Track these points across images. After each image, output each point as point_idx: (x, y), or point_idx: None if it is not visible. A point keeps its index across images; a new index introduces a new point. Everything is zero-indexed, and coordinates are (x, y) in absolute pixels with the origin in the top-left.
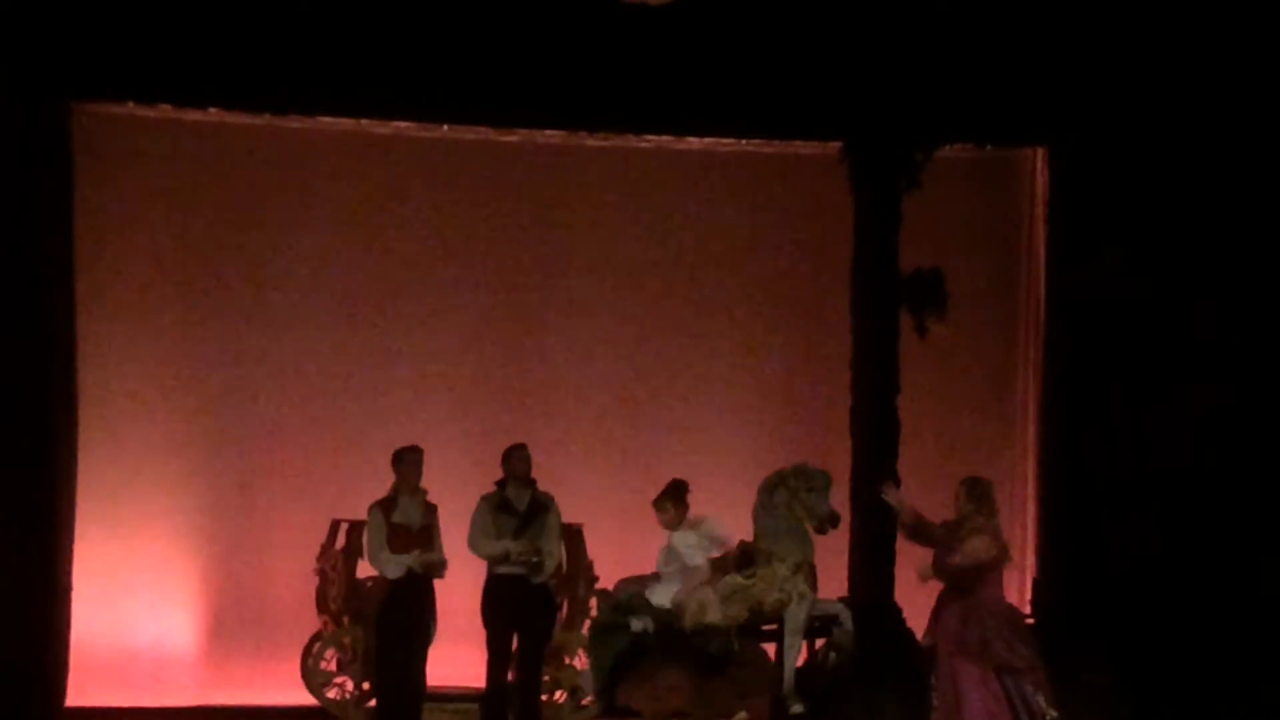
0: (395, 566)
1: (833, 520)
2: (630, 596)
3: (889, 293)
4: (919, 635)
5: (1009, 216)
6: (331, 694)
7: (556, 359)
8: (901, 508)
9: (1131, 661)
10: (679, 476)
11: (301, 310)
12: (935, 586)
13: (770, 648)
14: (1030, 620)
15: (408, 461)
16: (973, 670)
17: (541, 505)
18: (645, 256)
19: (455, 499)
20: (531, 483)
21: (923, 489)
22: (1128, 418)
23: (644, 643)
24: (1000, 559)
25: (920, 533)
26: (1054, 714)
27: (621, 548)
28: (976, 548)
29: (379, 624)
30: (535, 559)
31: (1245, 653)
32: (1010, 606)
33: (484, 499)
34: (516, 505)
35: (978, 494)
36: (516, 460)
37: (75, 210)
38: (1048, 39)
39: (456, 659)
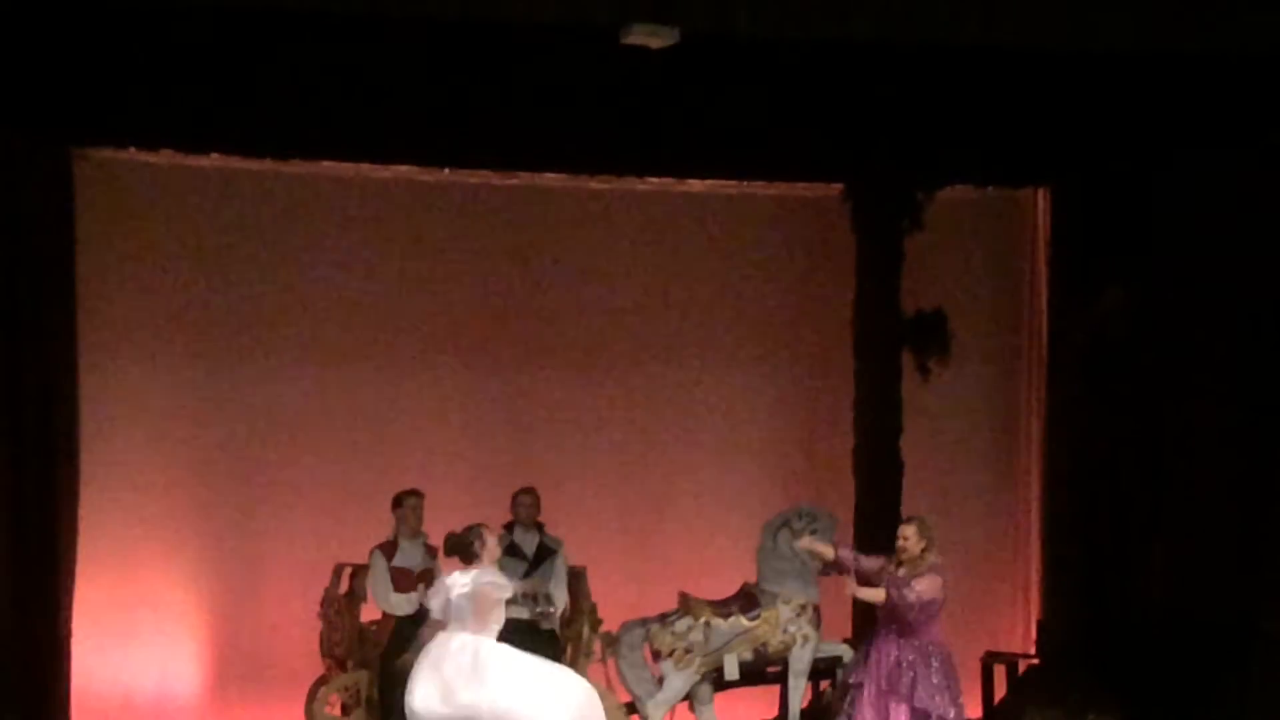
0: (406, 604)
1: (837, 563)
2: None
3: (891, 333)
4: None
5: (1011, 257)
6: None
7: (558, 401)
8: (827, 555)
9: (1137, 701)
10: (683, 518)
11: (304, 354)
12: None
13: (775, 690)
14: (1036, 661)
15: (408, 505)
16: (901, 710)
17: (549, 550)
18: (648, 298)
19: None
20: (539, 526)
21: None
22: (1131, 457)
23: None
24: (944, 600)
25: (849, 569)
26: None
27: (625, 590)
28: (931, 587)
29: (383, 668)
30: (549, 608)
31: (1251, 691)
32: (948, 650)
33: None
34: (524, 549)
35: (927, 533)
36: (524, 504)
37: (77, 255)
38: (1049, 80)
39: None
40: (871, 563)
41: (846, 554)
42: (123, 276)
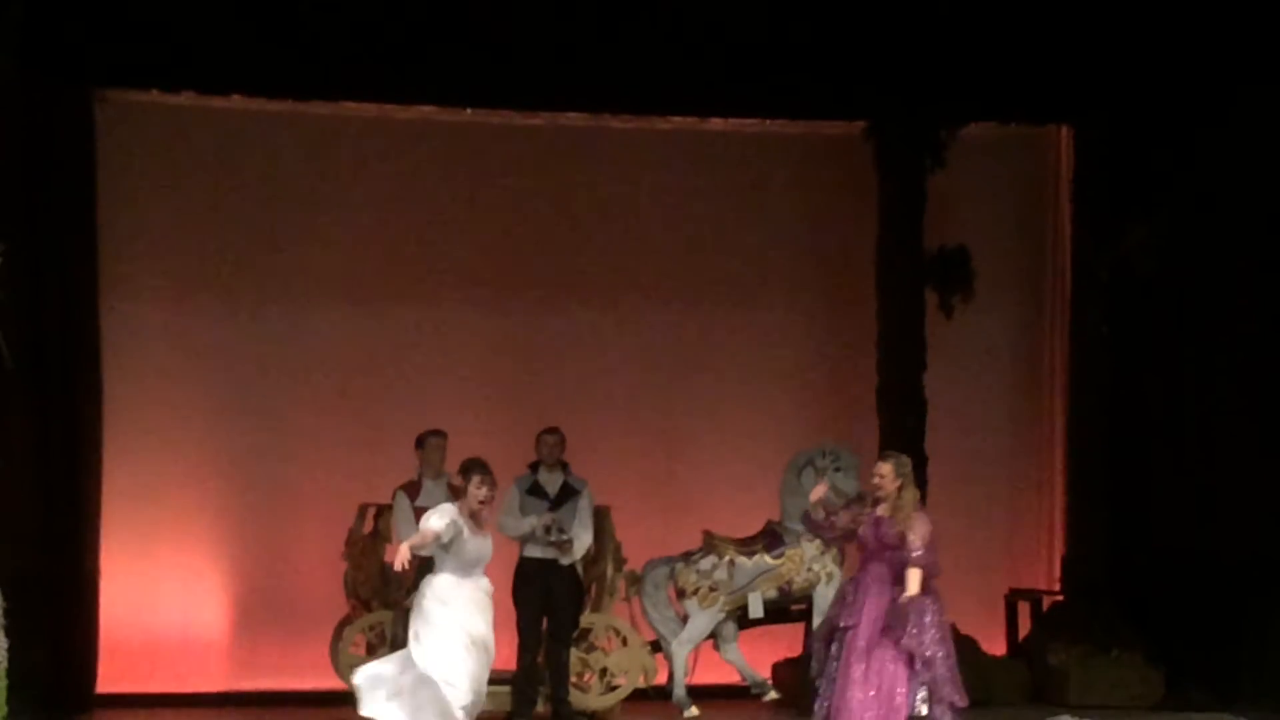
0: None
1: (861, 499)
2: None
3: (914, 271)
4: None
5: (1035, 195)
6: None
7: (582, 341)
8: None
9: (1161, 636)
10: (707, 456)
11: (327, 295)
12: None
13: (799, 628)
14: (1060, 597)
15: (430, 445)
16: (888, 652)
17: (573, 490)
18: (670, 238)
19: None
20: (564, 466)
21: (950, 467)
22: (1156, 393)
23: None
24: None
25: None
26: (960, 704)
27: (649, 528)
28: (927, 527)
29: (408, 608)
30: (563, 537)
31: (1274, 626)
32: (935, 589)
33: (516, 481)
34: (547, 489)
35: (903, 471)
36: (548, 444)
37: (99, 197)
38: (1073, 16)
39: None
40: (845, 515)
41: (820, 516)
42: (145, 218)
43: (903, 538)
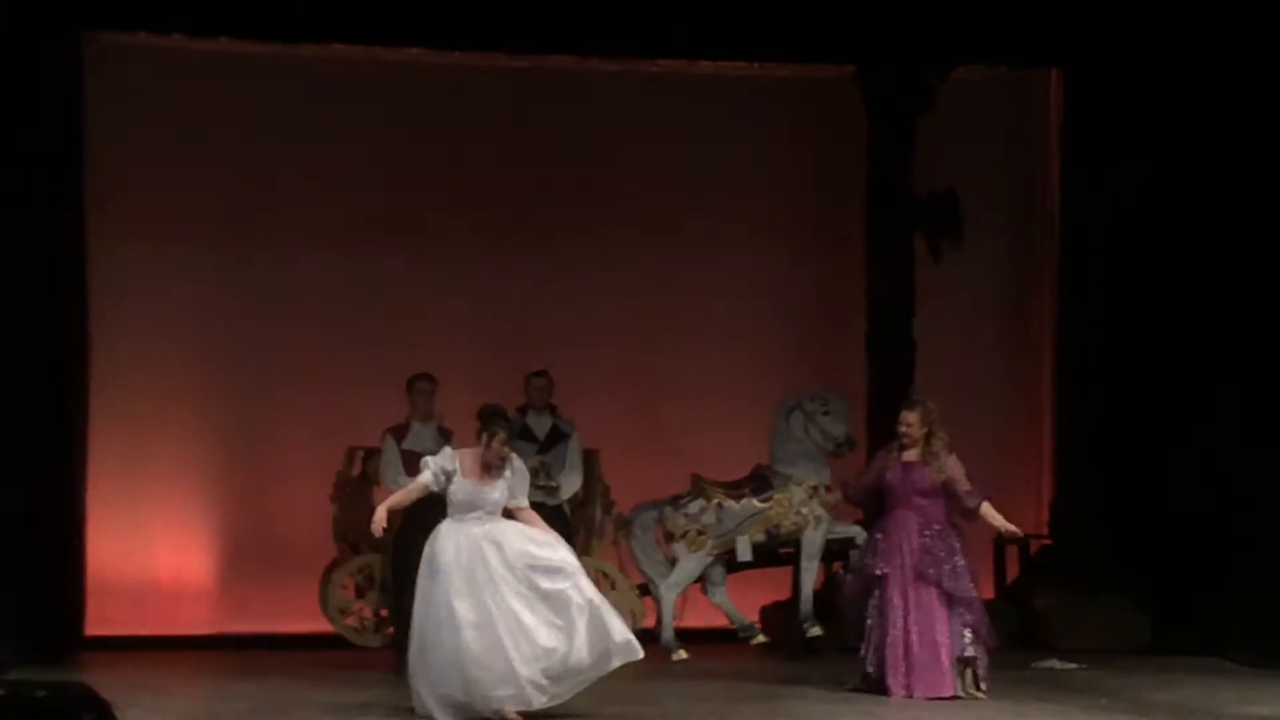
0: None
1: (849, 443)
2: None
3: (904, 215)
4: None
5: (1024, 138)
6: (349, 621)
7: (571, 284)
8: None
9: (1148, 581)
10: (696, 400)
11: (315, 237)
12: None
13: (787, 571)
14: (1048, 541)
15: (418, 389)
16: (932, 594)
17: (562, 432)
18: (660, 182)
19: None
20: (552, 409)
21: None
22: (1144, 337)
23: None
24: None
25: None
26: (994, 644)
27: (637, 472)
28: (960, 468)
29: (396, 551)
30: (550, 483)
31: (1262, 573)
32: (963, 531)
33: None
34: (536, 432)
35: (929, 417)
36: (535, 388)
37: (87, 139)
38: None
39: None
40: (867, 477)
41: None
42: (132, 160)
43: (942, 486)
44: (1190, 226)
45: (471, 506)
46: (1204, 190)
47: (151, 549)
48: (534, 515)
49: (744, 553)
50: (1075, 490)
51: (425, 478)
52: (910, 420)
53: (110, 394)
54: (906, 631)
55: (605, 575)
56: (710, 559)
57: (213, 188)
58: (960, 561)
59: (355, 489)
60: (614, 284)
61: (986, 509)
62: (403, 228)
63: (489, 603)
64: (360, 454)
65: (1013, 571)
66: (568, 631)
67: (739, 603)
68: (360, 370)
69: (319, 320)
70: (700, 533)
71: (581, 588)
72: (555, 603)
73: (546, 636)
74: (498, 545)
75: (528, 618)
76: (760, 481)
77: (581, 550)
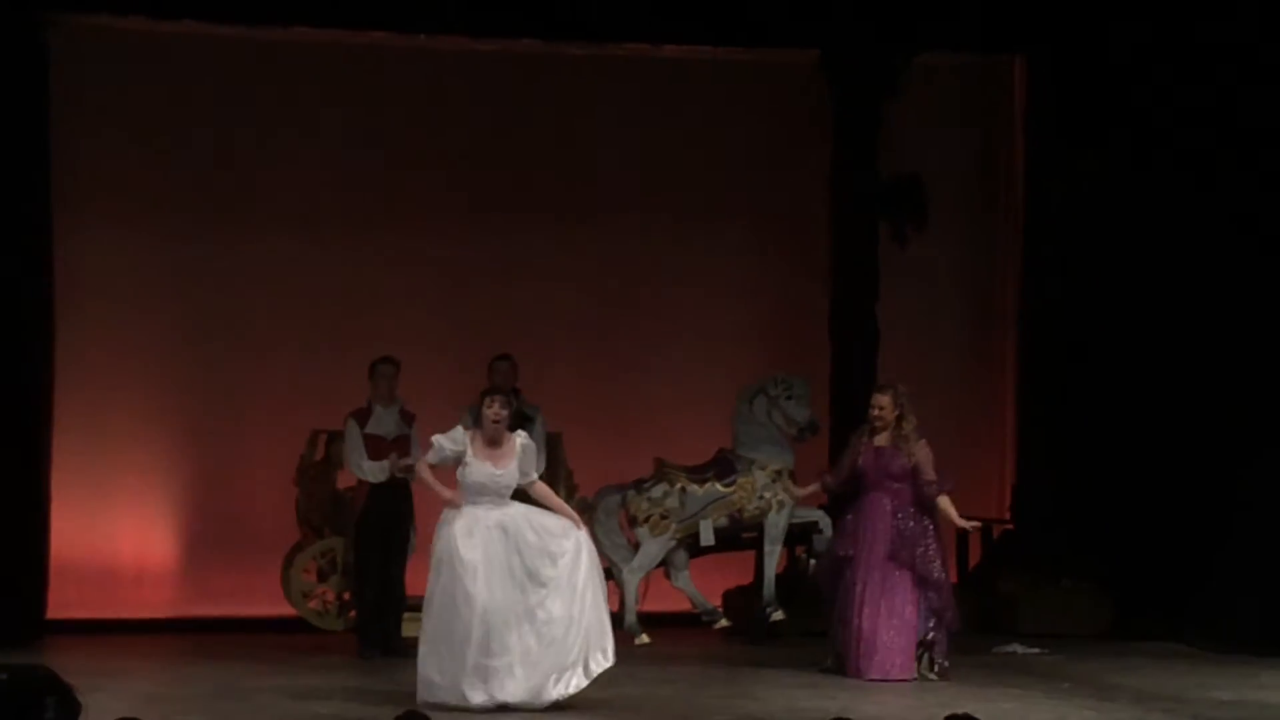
0: (379, 471)
1: (812, 428)
2: None
3: (868, 199)
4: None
5: (988, 124)
6: (312, 605)
7: (536, 268)
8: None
9: (1111, 566)
10: (659, 384)
11: (279, 221)
12: None
13: (750, 556)
14: (1010, 526)
15: (381, 373)
16: (905, 578)
17: (526, 416)
18: (624, 165)
19: (437, 410)
20: (516, 393)
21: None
22: (1108, 321)
23: None
24: None
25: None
26: (955, 629)
27: (601, 456)
28: (928, 454)
29: (359, 534)
30: None
31: (1221, 557)
32: (936, 514)
33: (467, 409)
34: None
35: (900, 400)
36: (499, 372)
37: (50, 122)
38: None
39: None
40: (841, 470)
41: (817, 485)
42: (97, 143)
43: (911, 470)
44: (1154, 213)
45: (483, 490)
46: (1167, 177)
47: (114, 532)
48: (546, 490)
49: (707, 537)
50: (1037, 475)
51: (432, 457)
52: (882, 403)
53: (73, 377)
54: (870, 614)
55: None
56: (673, 543)
57: (176, 171)
58: (932, 545)
59: (318, 472)
60: (578, 268)
61: (943, 502)
62: (366, 211)
63: (499, 591)
64: (323, 437)
65: (975, 556)
66: (565, 625)
67: (701, 587)
68: (324, 354)
69: (283, 303)
70: (663, 517)
71: (577, 586)
72: (554, 595)
73: (547, 629)
74: (506, 532)
75: (533, 608)
76: (724, 466)
77: None
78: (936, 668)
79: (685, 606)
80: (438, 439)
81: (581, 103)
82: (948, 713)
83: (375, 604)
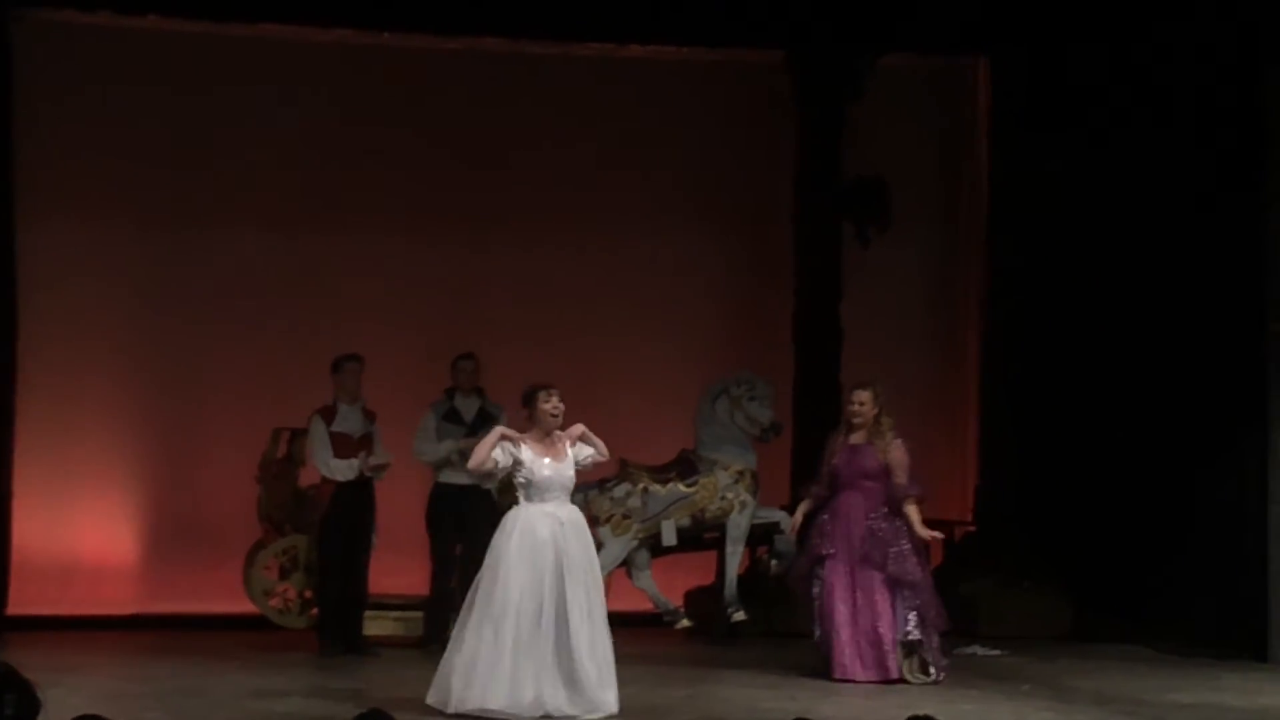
0: (347, 469)
1: (775, 428)
2: None
3: (832, 201)
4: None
5: (953, 126)
6: (274, 602)
7: (497, 266)
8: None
9: (1074, 568)
10: (622, 384)
11: (243, 217)
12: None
13: (712, 556)
14: (973, 528)
15: (346, 370)
16: (875, 579)
17: (490, 415)
18: (588, 164)
19: (399, 408)
20: (479, 392)
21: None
22: (1071, 325)
23: None
24: None
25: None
26: (943, 628)
27: None
28: (903, 455)
29: (323, 532)
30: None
31: (1184, 561)
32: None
33: (432, 407)
34: (464, 414)
35: (881, 397)
36: (462, 370)
37: (15, 118)
38: None
39: (398, 567)
40: (822, 477)
41: (808, 504)
42: (61, 138)
43: (885, 469)
44: (1114, 215)
45: (549, 486)
46: (1128, 179)
47: (75, 528)
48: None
49: (669, 537)
50: (1000, 478)
51: (502, 459)
52: (863, 399)
53: (36, 372)
54: (839, 615)
55: None
56: (635, 543)
57: (140, 166)
58: (906, 545)
59: (280, 470)
60: (542, 266)
61: (909, 508)
62: (330, 209)
63: (569, 596)
64: (286, 435)
65: (937, 558)
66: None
67: (663, 587)
68: (286, 351)
69: (245, 301)
70: (625, 517)
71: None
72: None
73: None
74: (572, 537)
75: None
76: (686, 466)
77: None
78: (932, 670)
79: (647, 606)
80: (500, 459)
81: (545, 102)
82: (908, 714)
83: (338, 602)
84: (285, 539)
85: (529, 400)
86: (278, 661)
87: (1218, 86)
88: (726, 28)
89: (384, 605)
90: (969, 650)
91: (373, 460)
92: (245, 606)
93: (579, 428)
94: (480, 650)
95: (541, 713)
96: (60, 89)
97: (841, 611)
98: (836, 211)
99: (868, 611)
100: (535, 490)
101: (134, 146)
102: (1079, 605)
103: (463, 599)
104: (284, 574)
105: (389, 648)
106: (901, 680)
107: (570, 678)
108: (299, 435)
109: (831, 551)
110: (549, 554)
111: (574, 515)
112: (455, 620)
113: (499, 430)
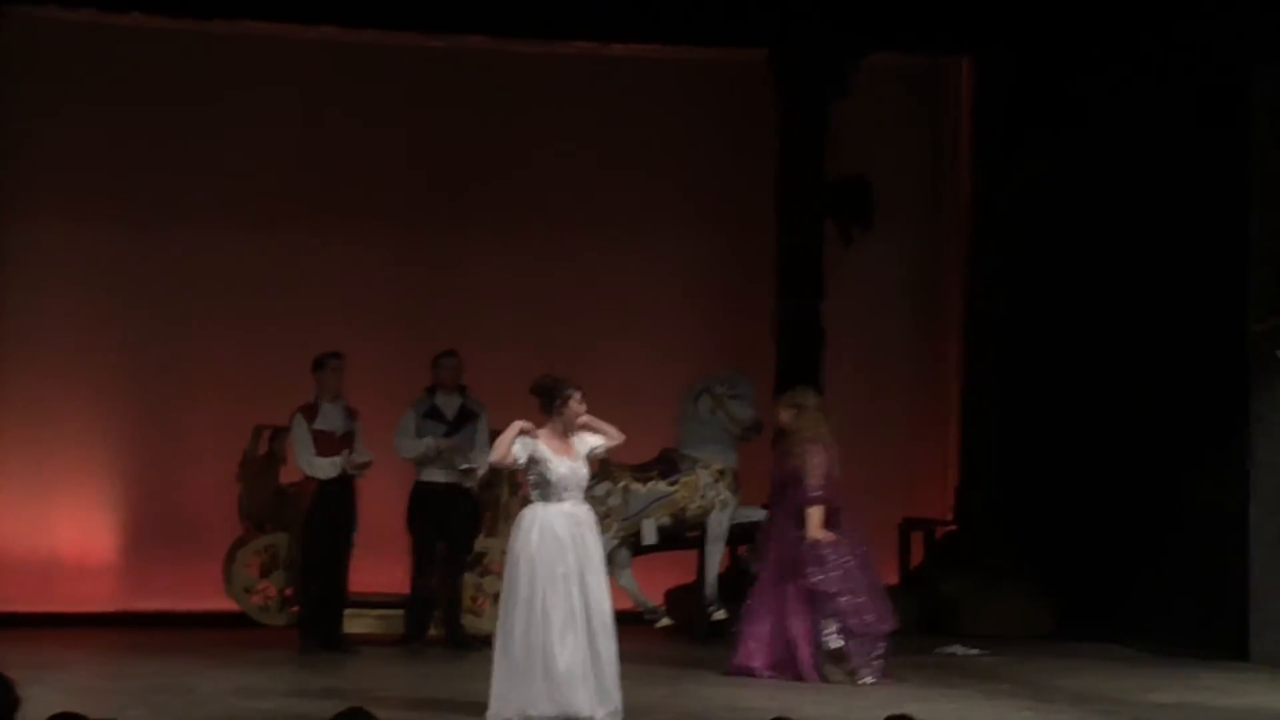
0: (330, 467)
1: (756, 427)
2: None
3: (814, 200)
4: None
5: (936, 125)
6: (254, 600)
7: (480, 265)
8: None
9: (1053, 568)
10: (604, 382)
11: (226, 215)
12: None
13: (693, 554)
14: (953, 527)
15: (329, 368)
16: (792, 590)
17: (471, 412)
18: (571, 162)
19: (379, 407)
20: (462, 390)
21: (847, 395)
22: (1051, 325)
23: None
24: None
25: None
26: (880, 628)
27: None
28: (816, 459)
29: (306, 531)
30: (465, 466)
31: (1164, 561)
32: (838, 522)
33: (413, 405)
34: (445, 412)
35: (792, 402)
36: (445, 368)
37: None
38: None
39: (379, 566)
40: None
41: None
42: (43, 135)
43: (797, 475)
44: (1097, 216)
45: (566, 484)
46: (1111, 180)
47: (55, 525)
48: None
49: (649, 536)
50: (981, 476)
51: (520, 452)
52: (782, 408)
53: (15, 369)
54: (765, 614)
55: None
56: (616, 542)
57: (123, 163)
58: (827, 555)
59: (261, 467)
60: (525, 264)
61: (810, 513)
62: (311, 208)
63: (591, 597)
64: (267, 433)
65: (917, 556)
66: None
67: (644, 585)
68: (267, 349)
69: (226, 298)
70: (606, 515)
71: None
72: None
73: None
74: (590, 537)
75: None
76: (667, 464)
77: (488, 531)
78: (862, 674)
79: (627, 605)
80: (517, 450)
81: (529, 100)
82: (887, 713)
83: (319, 599)
84: (266, 536)
85: (554, 396)
86: (258, 659)
87: (1202, 87)
88: (710, 26)
89: (365, 603)
90: (949, 649)
91: (356, 458)
92: (226, 604)
93: (584, 416)
94: (514, 654)
95: (574, 713)
96: (43, 85)
97: (756, 611)
98: (819, 210)
99: (784, 615)
100: (553, 490)
101: (115, 145)
102: (1059, 605)
103: (444, 596)
104: (265, 571)
105: (370, 646)
106: (820, 682)
107: (599, 678)
108: (280, 433)
109: (759, 567)
110: (570, 554)
111: (589, 515)
112: (436, 619)
113: (518, 424)
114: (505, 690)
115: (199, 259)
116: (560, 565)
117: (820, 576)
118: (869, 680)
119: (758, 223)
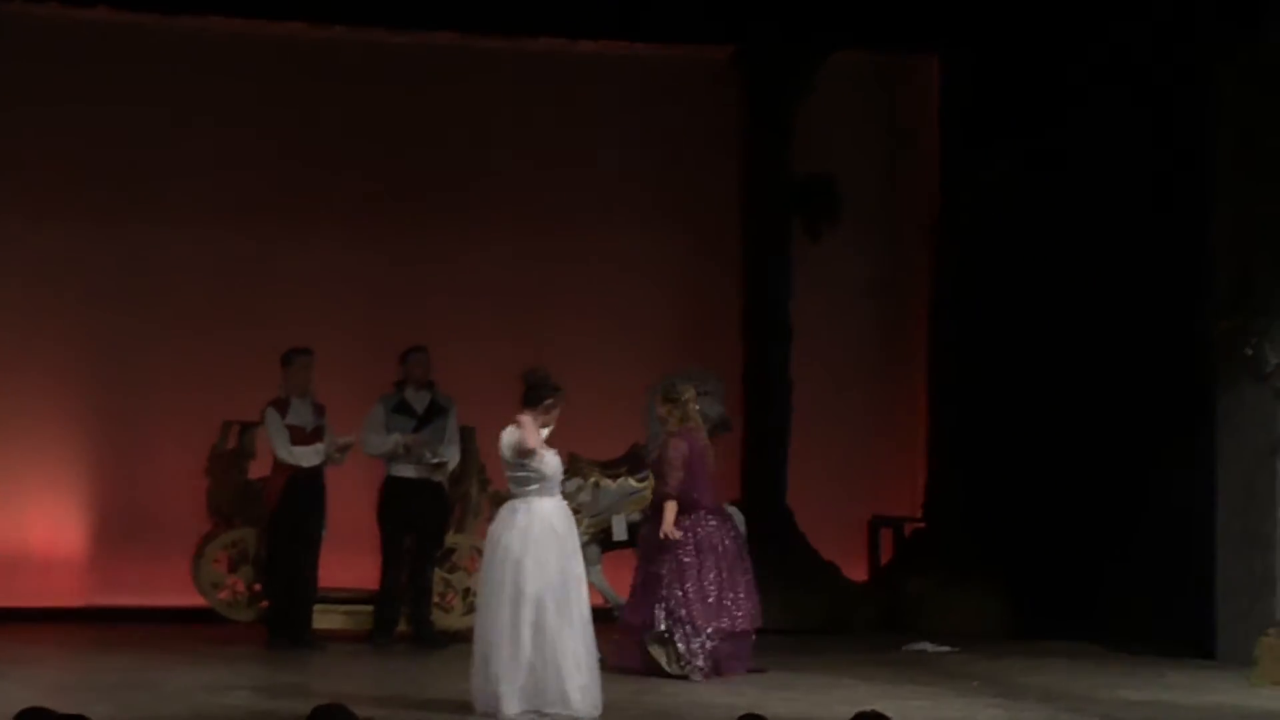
0: (313, 454)
1: (724, 424)
2: None
3: (781, 197)
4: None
5: (902, 123)
6: (222, 595)
7: (447, 261)
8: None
9: (1021, 565)
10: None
11: (192, 210)
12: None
13: None
14: (922, 525)
15: (297, 364)
16: (641, 572)
17: (440, 407)
18: (538, 158)
19: (349, 401)
20: (430, 385)
21: (815, 393)
22: (1018, 323)
23: None
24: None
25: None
26: (704, 626)
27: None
28: (670, 452)
29: (274, 526)
30: (435, 459)
31: (1132, 559)
32: (704, 510)
33: (381, 399)
34: (415, 406)
35: (669, 395)
36: (414, 363)
37: None
38: None
39: (348, 561)
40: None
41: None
42: (6, 127)
43: (659, 469)
44: (1062, 214)
45: (557, 479)
46: (1076, 178)
47: (22, 520)
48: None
49: (619, 532)
50: (949, 474)
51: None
52: (659, 406)
53: None
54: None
55: (480, 552)
56: (586, 538)
57: (87, 156)
58: (664, 545)
59: (229, 462)
60: (493, 261)
61: (665, 507)
62: (279, 202)
63: (570, 590)
64: (235, 428)
65: (886, 554)
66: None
67: (614, 581)
68: (234, 344)
69: (193, 294)
70: (576, 511)
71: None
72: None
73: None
74: (569, 530)
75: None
76: (637, 461)
77: (457, 527)
78: (692, 664)
79: (597, 601)
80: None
81: (496, 96)
82: (856, 710)
83: (287, 595)
84: (234, 531)
85: (546, 395)
86: (226, 655)
87: (1165, 87)
88: (676, 24)
89: (333, 599)
90: (918, 646)
91: (340, 440)
92: (193, 599)
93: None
94: (500, 646)
95: (565, 710)
96: (7, 80)
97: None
98: (786, 208)
99: (630, 605)
100: (549, 484)
101: (80, 136)
102: (1027, 602)
103: (414, 593)
104: (233, 567)
105: (337, 642)
106: (659, 672)
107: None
108: (249, 428)
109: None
110: (554, 546)
111: (567, 509)
112: (404, 614)
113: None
114: (487, 684)
115: (165, 253)
116: (555, 559)
117: (654, 565)
118: (697, 678)
119: (725, 219)
